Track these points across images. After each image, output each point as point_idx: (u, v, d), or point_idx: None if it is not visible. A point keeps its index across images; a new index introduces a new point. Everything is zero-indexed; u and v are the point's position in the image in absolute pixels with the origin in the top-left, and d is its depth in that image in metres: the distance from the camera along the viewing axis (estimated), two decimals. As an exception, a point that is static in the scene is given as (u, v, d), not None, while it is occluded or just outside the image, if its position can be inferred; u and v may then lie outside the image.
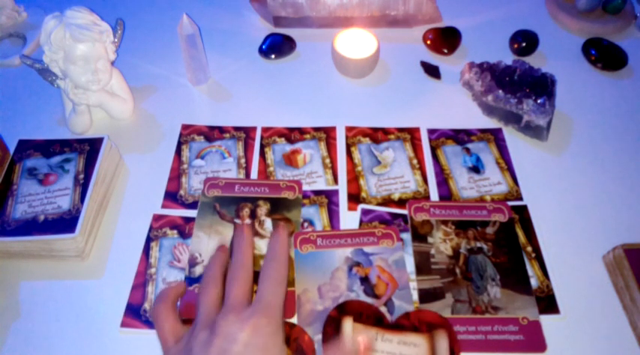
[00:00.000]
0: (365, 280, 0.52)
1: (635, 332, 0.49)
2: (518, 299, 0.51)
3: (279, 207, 0.58)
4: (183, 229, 0.57)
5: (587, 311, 0.51)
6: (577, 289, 0.53)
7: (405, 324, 0.48)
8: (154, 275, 0.54)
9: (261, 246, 0.55)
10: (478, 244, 0.55)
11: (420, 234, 0.56)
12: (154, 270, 0.54)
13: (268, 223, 0.56)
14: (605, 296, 0.52)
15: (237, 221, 0.56)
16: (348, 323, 0.48)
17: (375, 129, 0.68)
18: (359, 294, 0.51)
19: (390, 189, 0.61)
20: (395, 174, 0.63)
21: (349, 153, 0.65)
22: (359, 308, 0.49)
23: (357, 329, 0.48)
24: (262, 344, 0.38)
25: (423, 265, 0.53)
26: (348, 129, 0.68)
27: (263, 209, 0.57)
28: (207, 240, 0.55)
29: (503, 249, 0.54)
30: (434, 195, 0.61)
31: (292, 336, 0.48)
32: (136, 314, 0.51)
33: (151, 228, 0.57)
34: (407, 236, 0.56)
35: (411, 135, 0.67)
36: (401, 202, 0.60)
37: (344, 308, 0.49)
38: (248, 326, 0.38)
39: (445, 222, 0.56)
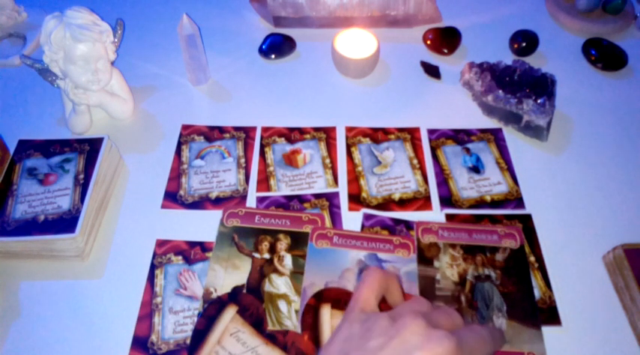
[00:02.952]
0: None
1: (635, 332, 0.49)
2: (524, 332, 0.48)
3: (299, 243, 0.55)
4: (188, 255, 0.55)
5: (587, 311, 0.51)
6: (577, 289, 0.53)
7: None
8: (160, 305, 0.51)
9: (279, 283, 0.52)
10: (486, 271, 0.52)
11: (426, 258, 0.53)
12: (159, 299, 0.52)
13: (288, 259, 0.54)
14: (605, 296, 0.52)
15: (256, 255, 0.54)
16: (325, 311, 0.49)
17: (375, 129, 0.68)
18: None
19: (391, 189, 0.61)
20: (395, 174, 0.63)
21: (349, 154, 0.65)
22: (336, 295, 0.50)
23: (335, 316, 0.49)
24: None
25: (427, 290, 0.51)
26: (348, 129, 0.68)
27: (283, 243, 0.55)
28: (224, 274, 0.52)
29: (512, 279, 0.52)
30: (434, 195, 0.61)
31: (288, 343, 0.48)
32: (143, 347, 0.49)
33: (154, 255, 0.55)
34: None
35: (411, 135, 0.67)
36: (401, 202, 0.60)
37: (321, 296, 0.50)
38: (430, 350, 0.34)
39: (453, 246, 0.54)
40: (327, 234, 0.55)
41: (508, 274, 0.52)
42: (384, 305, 0.42)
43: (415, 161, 0.64)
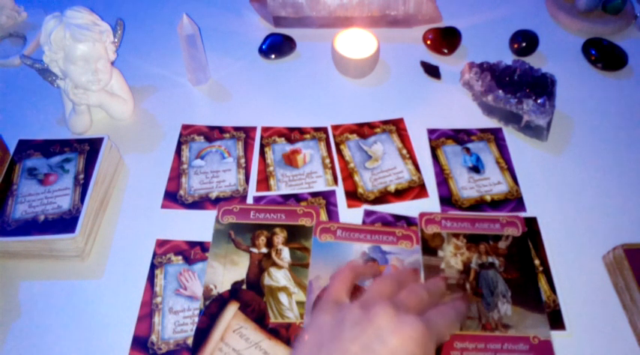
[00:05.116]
0: None
1: (635, 332, 0.49)
2: (529, 317, 0.49)
3: (295, 236, 0.55)
4: (188, 255, 0.55)
5: (587, 311, 0.51)
6: (577, 289, 0.53)
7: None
8: (160, 305, 0.52)
9: (279, 276, 0.53)
10: (490, 259, 0.53)
11: (431, 248, 0.54)
12: (159, 299, 0.52)
13: (286, 252, 0.54)
14: (605, 296, 0.52)
15: (254, 250, 0.55)
16: None
17: (361, 125, 0.68)
18: None
19: (385, 181, 0.62)
20: (387, 167, 0.63)
21: (339, 151, 0.65)
22: None
23: None
24: None
25: None
26: (334, 127, 0.68)
27: (280, 237, 0.55)
28: (223, 271, 0.53)
29: (515, 265, 0.53)
30: (434, 195, 0.61)
31: (291, 336, 0.48)
32: (143, 347, 0.49)
33: (154, 255, 0.55)
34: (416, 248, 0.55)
35: (395, 126, 0.67)
36: (397, 193, 0.60)
37: None
38: (403, 334, 0.36)
39: (456, 235, 0.55)
40: (330, 228, 0.55)
41: (511, 261, 0.53)
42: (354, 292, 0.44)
43: (404, 151, 0.65)
